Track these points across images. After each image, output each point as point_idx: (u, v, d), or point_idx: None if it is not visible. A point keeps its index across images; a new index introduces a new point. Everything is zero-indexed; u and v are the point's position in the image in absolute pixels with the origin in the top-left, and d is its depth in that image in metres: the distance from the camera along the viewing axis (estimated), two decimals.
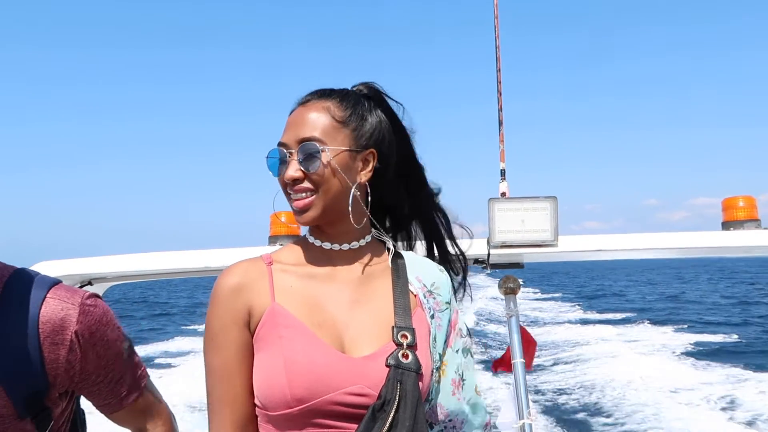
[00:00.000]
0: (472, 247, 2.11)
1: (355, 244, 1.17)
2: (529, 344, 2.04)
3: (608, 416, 8.87)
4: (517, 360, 1.95)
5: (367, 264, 1.18)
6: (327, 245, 1.16)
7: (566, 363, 13.47)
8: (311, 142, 1.09)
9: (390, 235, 1.28)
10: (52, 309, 1.10)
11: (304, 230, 2.11)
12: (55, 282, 1.16)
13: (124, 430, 1.33)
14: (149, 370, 1.33)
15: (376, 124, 1.17)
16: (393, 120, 1.21)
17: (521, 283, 2.09)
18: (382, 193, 1.21)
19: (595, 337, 16.88)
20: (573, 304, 30.27)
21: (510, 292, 2.04)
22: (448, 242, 1.34)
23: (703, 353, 13.85)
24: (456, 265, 1.33)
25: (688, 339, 16.19)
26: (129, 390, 1.24)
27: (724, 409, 8.67)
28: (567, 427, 8.66)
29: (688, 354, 13.79)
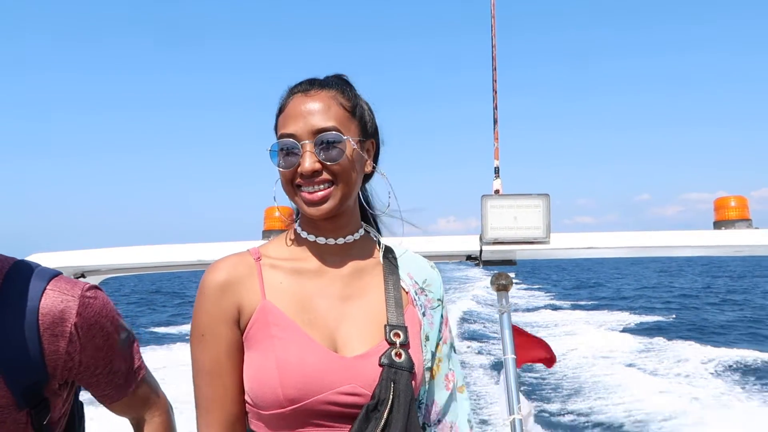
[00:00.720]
0: (464, 243, 2.13)
1: (349, 238, 1.15)
2: (534, 344, 2.06)
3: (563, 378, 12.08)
4: (509, 356, 1.96)
5: (358, 259, 1.16)
6: (321, 240, 1.13)
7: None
8: (332, 133, 1.05)
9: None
10: (52, 301, 1.11)
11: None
12: (55, 274, 1.16)
13: (123, 420, 1.34)
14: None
15: (370, 114, 1.16)
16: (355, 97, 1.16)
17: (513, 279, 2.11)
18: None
19: (562, 319, 21.56)
20: (550, 293, 36.19)
21: (502, 288, 2.05)
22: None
23: (639, 330, 18.76)
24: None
25: (633, 319, 21.49)
26: (128, 381, 1.25)
27: (643, 368, 12.83)
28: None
29: (627, 330, 18.61)
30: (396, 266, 1.19)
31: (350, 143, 1.08)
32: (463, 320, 20.95)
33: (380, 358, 1.05)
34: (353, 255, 1.16)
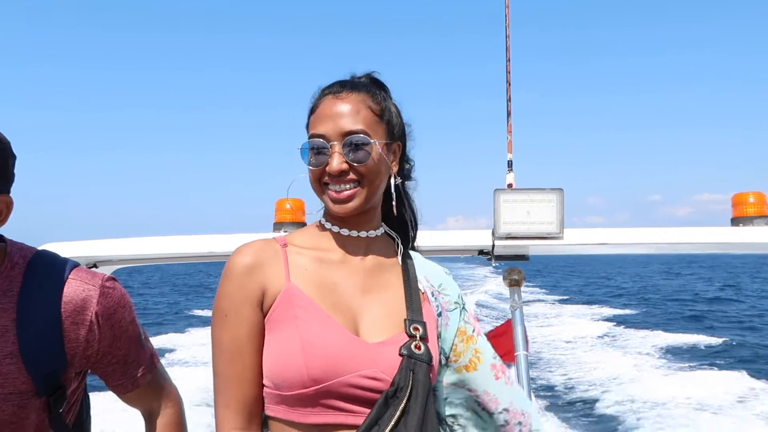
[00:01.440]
0: (477, 238, 2.11)
1: (372, 233, 1.18)
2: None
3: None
4: (520, 352, 1.95)
5: (379, 254, 1.19)
6: (345, 231, 1.17)
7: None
8: (360, 135, 1.11)
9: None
10: (74, 289, 1.13)
11: (309, 219, 2.11)
12: (76, 264, 1.18)
13: (134, 411, 1.34)
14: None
15: (398, 116, 1.21)
16: (386, 100, 1.21)
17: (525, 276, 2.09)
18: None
19: (543, 312, 24.49)
20: (543, 289, 38.25)
21: (514, 284, 2.03)
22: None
23: (612, 319, 22.24)
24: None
25: (608, 312, 24.48)
26: (141, 372, 1.26)
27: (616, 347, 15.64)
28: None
29: (605, 319, 21.99)
30: (414, 267, 1.23)
31: (377, 146, 1.12)
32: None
33: (400, 348, 1.07)
34: (374, 250, 1.19)
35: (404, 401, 1.03)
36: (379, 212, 1.21)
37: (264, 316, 1.10)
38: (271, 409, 1.08)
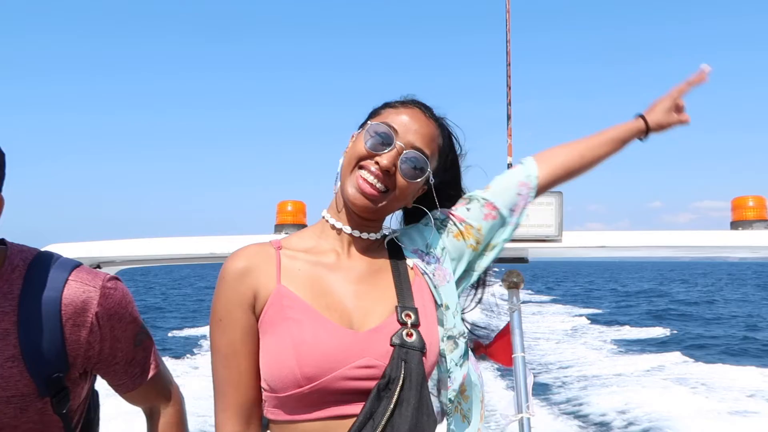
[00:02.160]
0: None
1: (372, 236, 1.19)
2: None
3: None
4: (518, 354, 1.95)
5: (375, 257, 1.20)
6: (347, 229, 1.17)
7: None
8: (424, 159, 1.15)
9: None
10: (74, 291, 1.13)
11: (309, 221, 2.12)
12: (77, 264, 1.18)
13: (137, 409, 1.36)
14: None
15: (446, 160, 1.25)
16: (451, 151, 1.27)
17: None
18: None
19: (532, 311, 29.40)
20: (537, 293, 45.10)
21: (513, 286, 2.04)
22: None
23: (592, 318, 27.26)
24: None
25: (586, 312, 30.09)
26: (143, 371, 1.28)
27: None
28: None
29: (587, 316, 27.47)
30: (401, 250, 1.22)
31: (427, 176, 1.16)
32: None
33: (391, 338, 1.07)
34: (372, 252, 1.20)
35: (397, 392, 1.03)
36: (383, 220, 1.22)
37: (257, 320, 1.10)
38: (270, 412, 1.10)
